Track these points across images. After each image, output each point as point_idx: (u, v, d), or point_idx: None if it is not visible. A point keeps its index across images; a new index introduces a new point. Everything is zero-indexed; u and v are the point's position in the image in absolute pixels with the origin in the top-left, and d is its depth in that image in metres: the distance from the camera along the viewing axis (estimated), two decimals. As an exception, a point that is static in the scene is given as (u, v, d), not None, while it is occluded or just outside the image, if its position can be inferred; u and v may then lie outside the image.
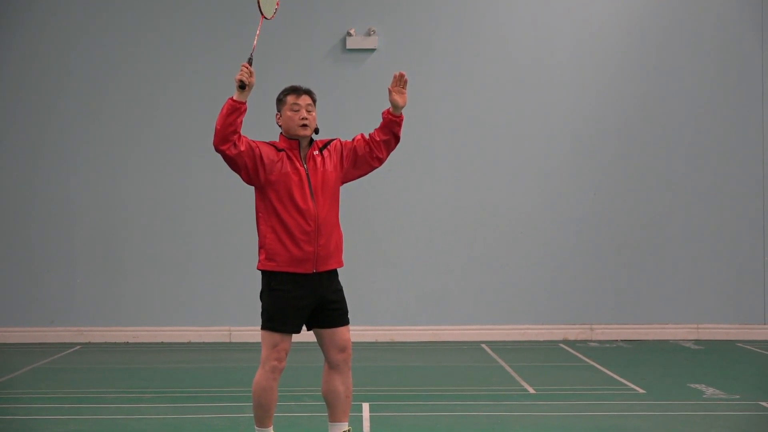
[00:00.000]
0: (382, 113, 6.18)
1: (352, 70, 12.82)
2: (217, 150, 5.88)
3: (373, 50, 12.77)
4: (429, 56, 12.85)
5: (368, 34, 12.76)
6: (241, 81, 5.83)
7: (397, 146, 6.29)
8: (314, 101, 6.12)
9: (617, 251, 12.81)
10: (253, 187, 6.06)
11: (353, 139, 6.21)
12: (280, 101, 6.11)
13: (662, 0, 12.89)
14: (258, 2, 6.23)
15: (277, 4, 6.41)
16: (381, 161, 6.23)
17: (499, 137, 12.84)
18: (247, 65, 5.88)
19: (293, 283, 5.96)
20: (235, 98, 5.84)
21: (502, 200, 12.80)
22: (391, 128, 6.16)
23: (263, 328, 6.00)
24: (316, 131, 6.10)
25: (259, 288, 6.06)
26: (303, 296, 5.96)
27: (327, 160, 6.08)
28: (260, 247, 6.03)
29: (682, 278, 12.81)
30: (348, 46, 12.74)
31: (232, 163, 5.92)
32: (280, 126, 6.12)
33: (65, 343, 12.54)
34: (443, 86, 12.83)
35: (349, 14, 12.82)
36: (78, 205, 12.73)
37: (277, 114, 6.12)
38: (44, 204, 12.72)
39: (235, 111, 5.83)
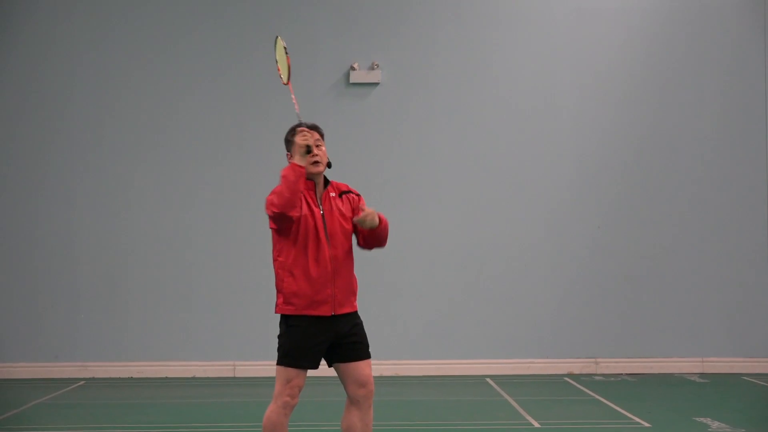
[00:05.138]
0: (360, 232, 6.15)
1: (356, 105, 12.86)
2: (284, 217, 5.84)
3: (376, 84, 12.81)
4: (432, 90, 12.88)
5: (371, 68, 12.81)
6: (308, 146, 5.90)
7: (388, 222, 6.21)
8: (322, 135, 6.14)
9: (622, 284, 12.79)
10: (270, 230, 6.06)
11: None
12: (288, 142, 6.11)
13: (666, 39, 12.93)
14: (279, 71, 6.38)
15: (288, 60, 6.52)
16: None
17: (503, 170, 12.85)
18: (307, 129, 5.96)
19: (312, 320, 5.96)
20: (298, 164, 5.89)
21: (506, 234, 12.79)
22: (373, 244, 6.18)
23: (278, 363, 5.99)
24: (329, 165, 6.11)
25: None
26: (320, 332, 5.96)
27: (343, 207, 6.10)
28: (278, 291, 6.01)
29: (687, 311, 12.78)
30: (351, 80, 12.79)
31: (289, 221, 5.90)
32: None
33: (69, 379, 12.50)
34: (447, 120, 12.85)
35: (352, 48, 12.86)
36: (81, 240, 12.74)
37: (287, 154, 6.12)
38: (47, 239, 12.72)
39: (301, 177, 5.87)
